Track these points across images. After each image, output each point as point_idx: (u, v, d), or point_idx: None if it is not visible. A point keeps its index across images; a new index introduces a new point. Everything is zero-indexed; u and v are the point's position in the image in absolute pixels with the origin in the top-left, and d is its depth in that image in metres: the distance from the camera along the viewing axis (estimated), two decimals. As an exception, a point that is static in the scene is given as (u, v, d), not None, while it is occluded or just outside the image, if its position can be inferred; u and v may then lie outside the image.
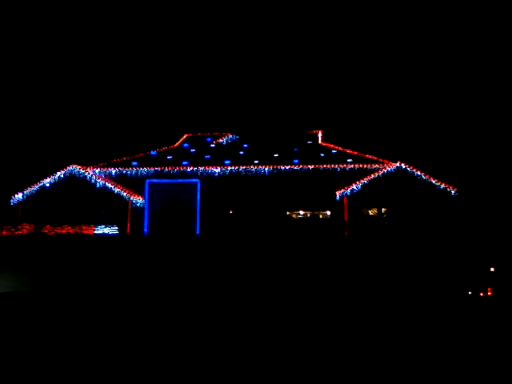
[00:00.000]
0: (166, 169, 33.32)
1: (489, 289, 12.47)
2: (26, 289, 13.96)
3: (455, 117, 47.93)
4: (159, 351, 7.86)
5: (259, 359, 7.52)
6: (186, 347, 8.09)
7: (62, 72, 69.65)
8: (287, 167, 32.32)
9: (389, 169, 30.53)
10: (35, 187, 32.33)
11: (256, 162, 33.11)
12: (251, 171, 32.60)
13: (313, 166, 32.06)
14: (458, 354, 7.77)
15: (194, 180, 33.21)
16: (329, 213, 32.35)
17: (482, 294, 12.40)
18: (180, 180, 33.30)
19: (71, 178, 32.15)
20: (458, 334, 9.06)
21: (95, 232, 28.82)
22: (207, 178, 33.15)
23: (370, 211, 29.45)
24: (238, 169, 32.67)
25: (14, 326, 9.47)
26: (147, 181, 33.43)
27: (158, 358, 7.55)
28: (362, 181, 30.44)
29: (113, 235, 29.56)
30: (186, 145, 38.90)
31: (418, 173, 30.11)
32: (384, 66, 66.23)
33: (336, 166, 31.90)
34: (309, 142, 37.41)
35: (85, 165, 33.74)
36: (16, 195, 32.10)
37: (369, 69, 69.88)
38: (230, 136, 38.59)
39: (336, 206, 31.23)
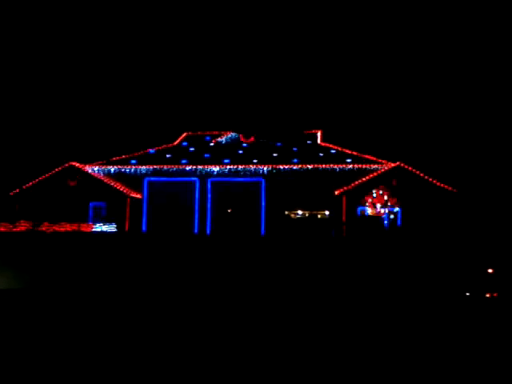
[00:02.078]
0: (165, 167, 33.27)
1: (494, 290, 12.47)
2: (24, 286, 13.92)
3: (454, 118, 47.95)
4: (156, 348, 7.84)
5: (259, 357, 7.51)
6: (186, 346, 8.07)
7: (62, 70, 69.55)
8: (286, 167, 32.30)
9: (388, 169, 30.51)
10: (34, 184, 32.25)
11: (255, 161, 33.09)
12: (250, 170, 32.57)
13: (312, 166, 32.04)
14: (455, 354, 7.77)
15: (193, 179, 33.18)
16: (327, 212, 32.33)
17: (488, 295, 12.39)
18: (179, 178, 33.26)
19: (70, 175, 32.06)
20: (455, 334, 9.05)
21: (93, 230, 28.76)
22: (207, 176, 33.13)
23: (368, 211, 29.38)
24: (237, 168, 32.65)
25: (9, 323, 9.44)
26: (146, 179, 33.39)
27: (155, 354, 7.54)
28: (361, 181, 30.43)
29: (111, 233, 29.50)
30: (185, 143, 38.84)
31: (417, 173, 30.09)
32: (383, 66, 66.31)
33: (335, 166, 31.87)
34: (308, 142, 37.36)
35: (83, 162, 33.65)
36: (14, 192, 32.00)
37: (368, 69, 69.92)
38: (229, 135, 38.47)
39: (334, 205, 31.21)
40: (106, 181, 31.77)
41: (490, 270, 15.37)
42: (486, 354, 7.66)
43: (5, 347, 7.64)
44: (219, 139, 38.21)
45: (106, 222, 29.93)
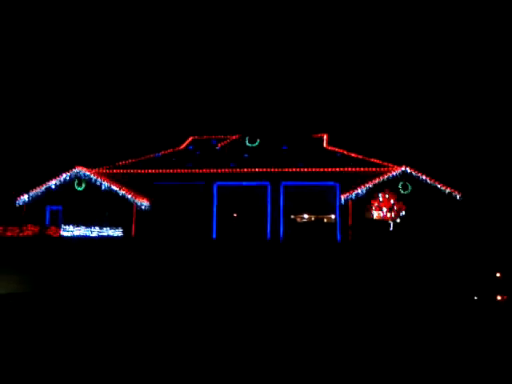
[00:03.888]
0: (171, 171, 33.37)
1: (504, 294, 12.39)
2: (30, 290, 13.99)
3: (460, 121, 47.79)
4: (158, 350, 7.85)
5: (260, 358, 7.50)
6: (188, 350, 8.07)
7: (68, 75, 70.04)
8: (292, 170, 32.29)
9: (394, 173, 30.41)
10: (40, 189, 32.42)
11: (261, 165, 33.09)
12: (256, 174, 32.58)
13: (318, 170, 32.01)
14: (460, 357, 7.71)
15: (199, 183, 33.23)
16: (333, 216, 32.26)
17: (499, 298, 12.32)
18: (186, 182, 33.34)
19: (76, 179, 32.21)
20: (464, 337, 9.00)
21: (98, 234, 28.86)
22: (213, 180, 33.19)
23: (374, 215, 29.34)
24: (243, 172, 32.68)
25: (15, 326, 9.48)
26: (152, 183, 33.46)
27: (157, 355, 7.54)
28: (367, 185, 30.34)
29: (117, 237, 29.61)
30: (191, 147, 38.93)
31: (423, 177, 29.97)
32: (390, 70, 66.22)
33: (341, 170, 31.82)
34: (314, 146, 37.32)
35: (90, 167, 33.80)
36: (21, 197, 32.20)
37: (375, 73, 69.81)
38: (235, 139, 38.52)
39: (341, 209, 31.15)
40: (112, 185, 31.88)
41: (497, 274, 15.27)
42: (493, 356, 7.62)
43: (10, 349, 7.69)
44: (225, 143, 38.26)
45: (112, 226, 30.05)
